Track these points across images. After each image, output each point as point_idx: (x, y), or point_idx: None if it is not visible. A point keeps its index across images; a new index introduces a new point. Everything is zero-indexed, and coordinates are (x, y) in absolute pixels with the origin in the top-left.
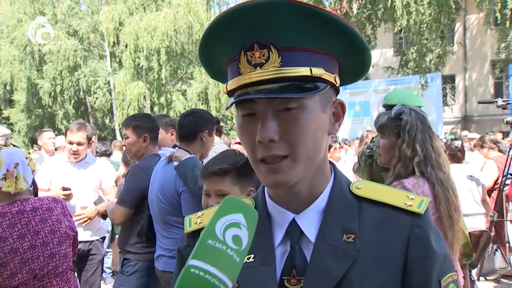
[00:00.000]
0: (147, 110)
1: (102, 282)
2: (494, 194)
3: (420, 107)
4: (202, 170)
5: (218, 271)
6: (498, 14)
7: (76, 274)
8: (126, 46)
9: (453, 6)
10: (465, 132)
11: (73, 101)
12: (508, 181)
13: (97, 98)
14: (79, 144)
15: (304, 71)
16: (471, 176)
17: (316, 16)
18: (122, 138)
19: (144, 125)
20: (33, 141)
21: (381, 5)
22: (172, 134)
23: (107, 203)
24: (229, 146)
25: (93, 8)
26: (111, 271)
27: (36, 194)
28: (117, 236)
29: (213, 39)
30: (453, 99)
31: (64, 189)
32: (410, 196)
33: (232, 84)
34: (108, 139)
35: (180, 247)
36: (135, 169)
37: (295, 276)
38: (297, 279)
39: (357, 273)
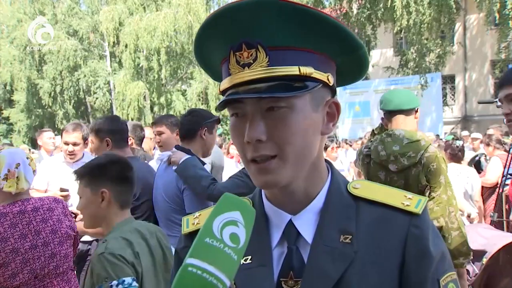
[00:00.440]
0: (147, 110)
1: None
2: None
3: (416, 108)
4: None
5: (216, 269)
6: (496, 15)
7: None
8: (126, 46)
9: (453, 6)
10: (465, 132)
11: (73, 101)
12: (508, 181)
13: (97, 98)
14: (74, 144)
15: (292, 70)
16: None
17: (303, 15)
18: None
19: (104, 128)
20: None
21: (381, 5)
22: (177, 134)
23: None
24: (221, 146)
25: (93, 8)
26: None
27: None
28: None
29: (204, 41)
30: (453, 99)
31: (62, 190)
32: (408, 196)
33: (223, 84)
34: None
35: (178, 248)
36: None
37: (292, 277)
38: (295, 281)
39: (355, 273)
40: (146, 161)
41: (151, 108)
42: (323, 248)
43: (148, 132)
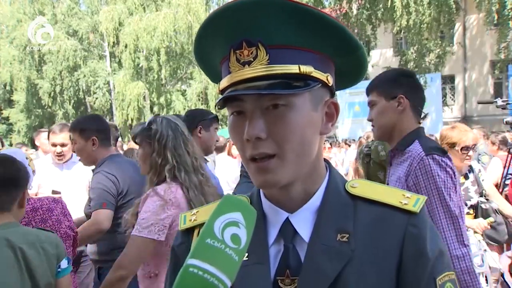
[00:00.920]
0: (146, 110)
1: None
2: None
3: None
4: None
5: (217, 270)
6: (495, 15)
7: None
8: (125, 46)
9: (453, 6)
10: None
11: (72, 101)
12: (508, 181)
13: (96, 98)
14: (62, 145)
15: (292, 68)
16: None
17: (304, 14)
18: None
19: (91, 127)
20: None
21: (380, 6)
22: None
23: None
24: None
25: (93, 8)
26: None
27: None
28: None
29: (205, 39)
30: (452, 99)
31: (54, 192)
32: (406, 195)
33: (223, 83)
34: None
35: (174, 245)
36: (98, 175)
37: (289, 276)
38: (291, 279)
39: (352, 272)
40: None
41: (151, 108)
42: (320, 247)
43: None
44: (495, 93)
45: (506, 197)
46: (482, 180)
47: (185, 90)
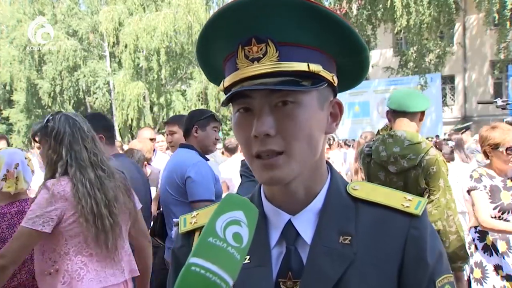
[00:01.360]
0: (146, 110)
1: None
2: None
3: (423, 111)
4: None
5: (219, 269)
6: (495, 15)
7: None
8: (125, 46)
9: (453, 6)
10: (466, 136)
11: (72, 101)
12: None
13: (96, 98)
14: None
15: (301, 66)
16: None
17: (315, 13)
18: (122, 139)
19: (97, 124)
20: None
21: (380, 6)
22: None
23: None
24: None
25: (93, 8)
26: None
27: None
28: None
29: (211, 34)
30: (452, 100)
31: None
32: (408, 197)
33: (229, 79)
34: None
35: (174, 248)
36: None
37: (291, 278)
38: (293, 282)
39: (354, 275)
40: (145, 163)
41: (151, 108)
42: (322, 249)
43: (149, 132)
44: (495, 93)
45: None
46: None
47: (185, 90)
